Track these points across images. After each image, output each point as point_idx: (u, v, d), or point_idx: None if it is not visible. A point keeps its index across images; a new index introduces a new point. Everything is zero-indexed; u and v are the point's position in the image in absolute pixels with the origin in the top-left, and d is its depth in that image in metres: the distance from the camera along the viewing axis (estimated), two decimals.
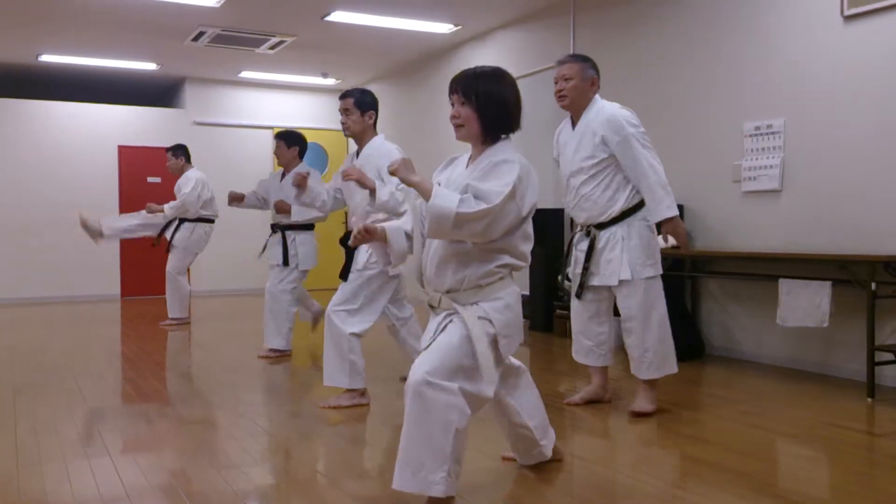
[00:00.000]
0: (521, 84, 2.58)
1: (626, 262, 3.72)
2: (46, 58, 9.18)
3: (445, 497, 2.31)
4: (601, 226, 3.79)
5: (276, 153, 5.72)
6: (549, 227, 6.49)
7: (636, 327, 3.77)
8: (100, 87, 10.78)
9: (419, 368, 2.31)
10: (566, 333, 6.24)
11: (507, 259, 2.44)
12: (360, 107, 4.09)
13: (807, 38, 4.89)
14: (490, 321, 2.40)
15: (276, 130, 5.82)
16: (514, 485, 2.80)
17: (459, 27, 7.98)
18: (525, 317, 6.64)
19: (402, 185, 3.75)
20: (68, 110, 10.11)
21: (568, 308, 6.27)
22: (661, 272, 3.80)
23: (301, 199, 5.11)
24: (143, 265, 10.08)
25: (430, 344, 2.42)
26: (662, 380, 3.88)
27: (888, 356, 4.23)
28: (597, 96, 3.83)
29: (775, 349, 5.11)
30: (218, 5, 7.05)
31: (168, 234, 7.34)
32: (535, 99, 7.14)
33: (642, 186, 3.66)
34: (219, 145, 10.69)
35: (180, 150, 7.39)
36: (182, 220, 7.29)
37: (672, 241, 3.80)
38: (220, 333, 7.08)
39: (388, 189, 3.90)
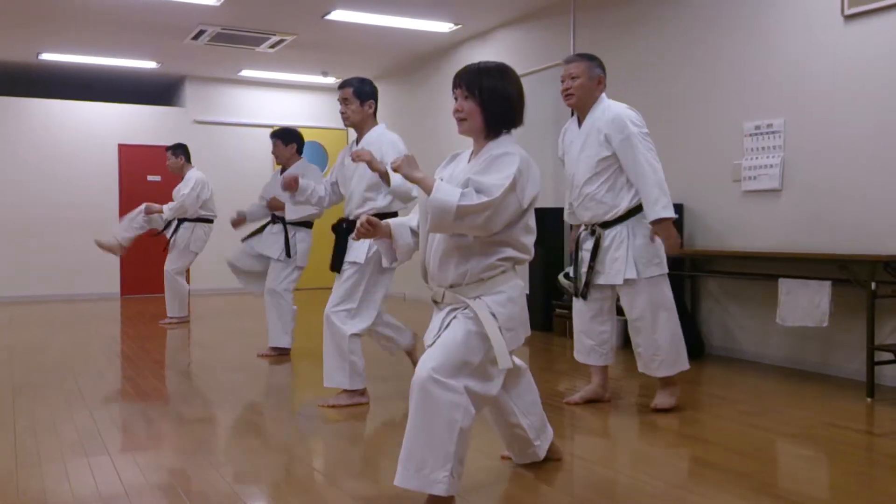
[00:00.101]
0: None
1: (631, 261, 3.72)
2: (46, 56, 9.17)
3: (447, 496, 2.31)
4: (606, 224, 3.79)
5: (274, 153, 5.67)
6: (549, 226, 6.49)
7: (645, 326, 3.78)
8: (100, 86, 10.78)
9: (425, 365, 2.31)
10: (566, 333, 6.24)
11: (509, 252, 2.43)
12: (359, 96, 4.00)
13: (807, 37, 4.89)
14: (494, 315, 2.39)
15: (275, 129, 5.77)
16: (513, 484, 2.80)
17: (459, 26, 7.98)
18: None
19: None
20: (68, 109, 10.11)
21: (568, 307, 6.31)
22: (666, 271, 3.80)
23: (295, 199, 5.09)
24: (143, 264, 10.07)
25: (434, 340, 2.42)
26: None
27: (888, 356, 4.23)
28: (603, 95, 3.84)
29: (775, 349, 5.11)
30: (218, 4, 7.04)
31: (168, 234, 7.34)
32: (536, 98, 7.15)
33: (640, 185, 3.66)
34: (219, 144, 10.69)
35: (180, 150, 7.39)
36: (182, 220, 7.29)
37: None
38: (219, 332, 7.07)
39: (396, 176, 3.77)
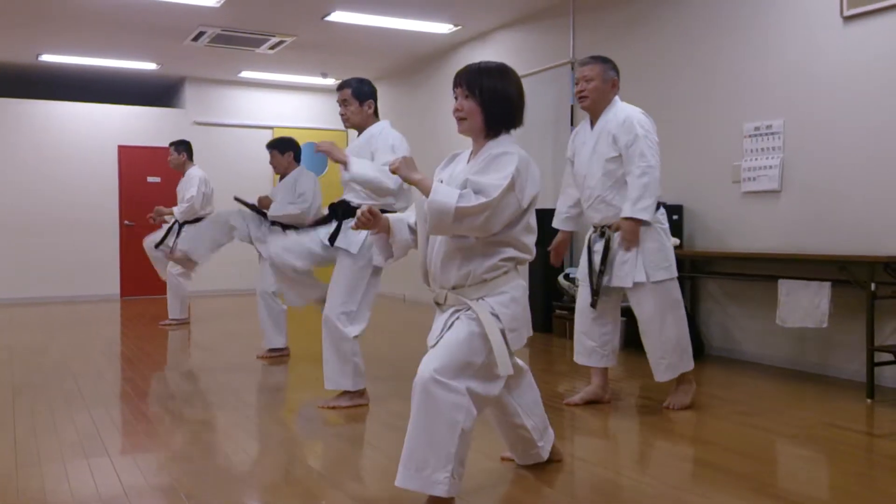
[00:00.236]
0: None
1: (640, 265, 3.74)
2: (46, 57, 9.17)
3: (447, 497, 2.30)
4: (616, 227, 3.79)
5: (272, 163, 5.69)
6: (549, 227, 6.46)
7: (652, 330, 3.80)
8: (100, 87, 10.78)
9: (427, 366, 2.31)
10: (566, 334, 6.24)
11: (510, 252, 2.43)
12: (357, 97, 3.96)
13: (806, 38, 4.89)
14: (497, 316, 2.39)
15: (271, 140, 5.79)
16: (514, 486, 2.80)
17: (459, 27, 7.98)
18: None
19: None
20: (68, 110, 10.11)
21: (568, 308, 6.31)
22: (675, 275, 3.81)
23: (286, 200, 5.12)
24: (143, 265, 10.04)
25: (437, 341, 2.42)
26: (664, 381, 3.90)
27: (887, 357, 4.23)
28: (617, 98, 3.86)
29: (775, 350, 5.11)
30: (218, 5, 7.05)
31: (170, 240, 7.30)
32: (535, 99, 7.15)
33: (630, 181, 3.67)
34: (218, 145, 10.68)
35: (182, 146, 7.37)
36: (183, 222, 7.27)
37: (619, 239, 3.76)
38: (219, 333, 7.08)
39: (365, 164, 3.74)
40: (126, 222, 10.31)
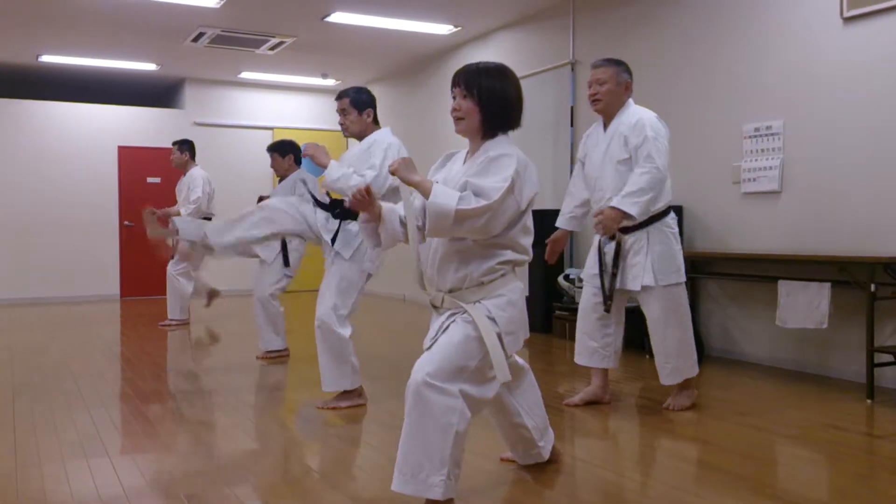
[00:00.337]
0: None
1: (649, 268, 3.74)
2: (46, 58, 9.17)
3: (444, 500, 2.30)
4: (626, 229, 3.78)
5: (273, 166, 5.72)
6: (549, 227, 6.46)
7: (658, 333, 3.81)
8: (100, 88, 10.78)
9: (420, 369, 2.30)
10: (566, 335, 6.24)
11: (508, 255, 2.42)
12: (356, 106, 3.96)
13: (806, 39, 4.89)
14: (493, 320, 2.38)
15: (271, 144, 5.81)
16: (513, 487, 2.80)
17: (459, 28, 7.98)
18: None
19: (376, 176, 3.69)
20: (68, 111, 10.11)
21: (567, 309, 6.31)
22: (684, 279, 3.82)
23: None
24: (143, 266, 10.07)
25: (431, 345, 2.41)
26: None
27: (888, 358, 4.23)
28: (630, 101, 3.85)
29: (775, 351, 5.11)
30: (218, 6, 7.05)
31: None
32: (535, 100, 7.16)
33: (630, 177, 3.64)
34: (218, 146, 10.68)
35: (186, 146, 7.38)
36: None
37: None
38: (219, 334, 7.08)
39: (343, 171, 3.69)
40: (126, 223, 10.31)
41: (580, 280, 6.33)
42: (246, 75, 10.41)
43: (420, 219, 2.41)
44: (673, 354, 3.81)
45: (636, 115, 3.77)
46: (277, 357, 5.55)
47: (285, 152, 5.65)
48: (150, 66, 9.75)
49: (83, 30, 7.94)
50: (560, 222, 4.17)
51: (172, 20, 7.56)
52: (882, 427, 3.67)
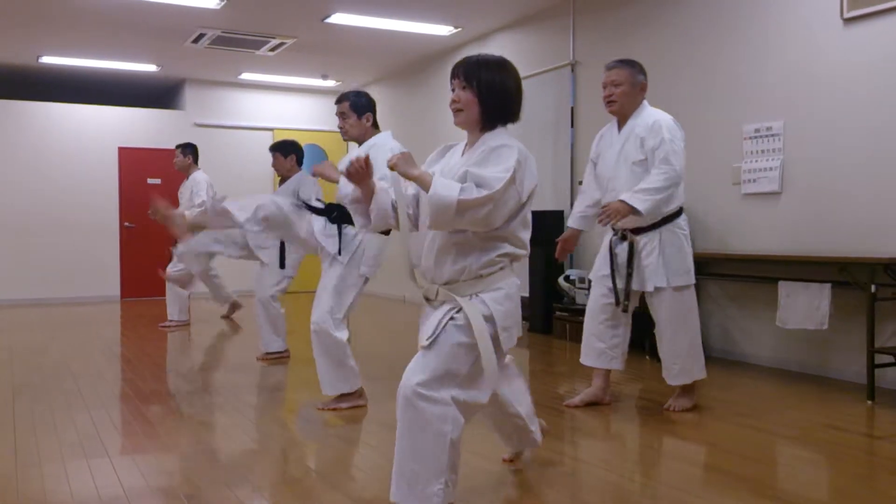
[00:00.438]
0: None
1: (661, 269, 3.74)
2: (47, 59, 9.18)
3: None
4: (638, 230, 3.78)
5: (274, 165, 5.72)
6: (549, 227, 6.49)
7: (666, 334, 3.81)
8: (100, 89, 10.79)
9: (410, 378, 2.26)
10: (566, 335, 6.24)
11: (507, 248, 2.38)
12: (356, 110, 3.97)
13: (806, 40, 4.89)
14: (490, 315, 2.34)
15: (274, 143, 5.82)
16: (514, 488, 2.80)
17: (459, 29, 7.99)
18: (524, 318, 6.63)
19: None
20: (69, 112, 10.11)
21: (568, 310, 6.31)
22: (693, 281, 3.82)
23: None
24: (143, 266, 10.07)
25: (429, 343, 2.36)
26: (664, 383, 3.89)
27: (888, 358, 4.23)
28: (645, 102, 3.85)
29: (775, 351, 5.10)
30: (218, 7, 7.05)
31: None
32: (536, 100, 7.16)
33: (647, 176, 3.64)
34: (219, 147, 10.69)
35: (189, 149, 7.40)
36: None
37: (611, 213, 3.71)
38: (219, 334, 7.08)
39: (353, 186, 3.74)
40: (126, 224, 10.32)
41: (580, 281, 6.35)
42: (246, 76, 10.42)
43: (412, 207, 2.39)
44: (682, 356, 3.80)
45: (652, 116, 3.77)
46: (277, 358, 5.55)
47: (287, 152, 5.65)
48: (150, 67, 9.76)
49: (83, 31, 7.94)
50: (571, 221, 4.16)
51: (173, 21, 7.57)
52: (882, 428, 3.67)
